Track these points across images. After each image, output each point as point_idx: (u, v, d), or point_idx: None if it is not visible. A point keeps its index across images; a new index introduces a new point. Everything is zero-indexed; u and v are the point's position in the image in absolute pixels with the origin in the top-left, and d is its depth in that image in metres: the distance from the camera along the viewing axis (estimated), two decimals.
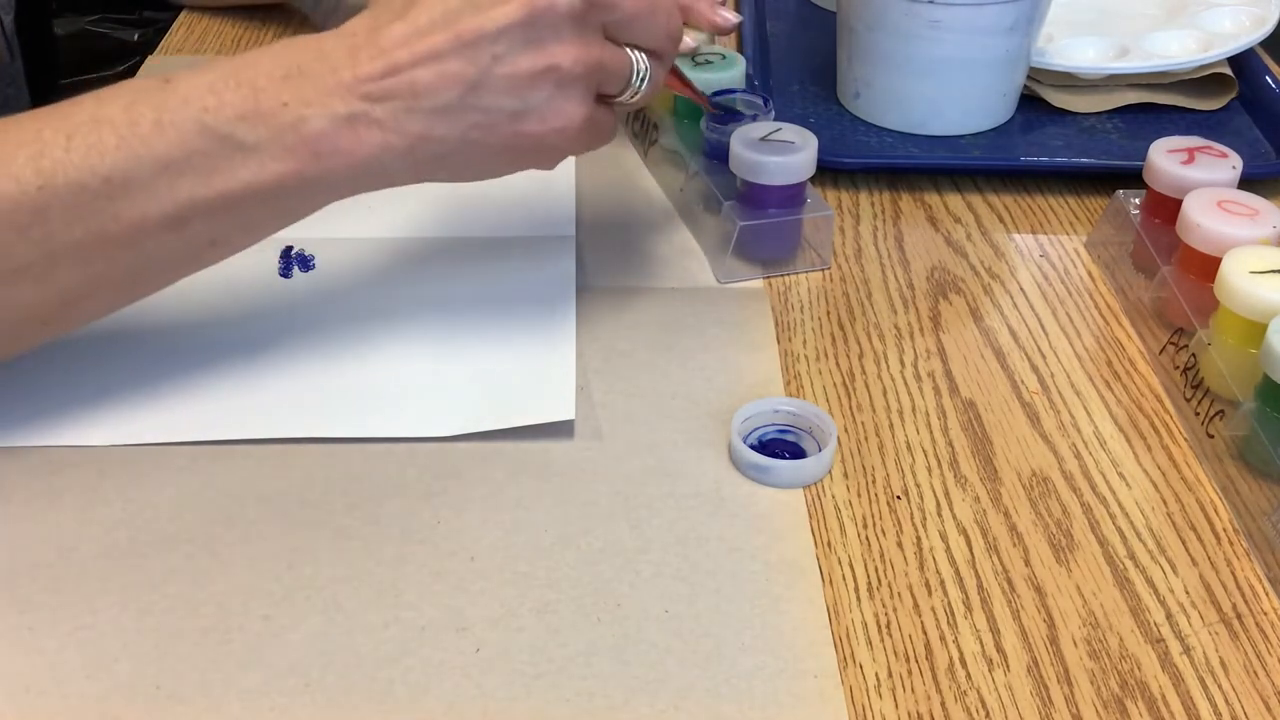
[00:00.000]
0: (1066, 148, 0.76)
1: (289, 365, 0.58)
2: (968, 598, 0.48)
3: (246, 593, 0.47)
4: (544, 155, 0.53)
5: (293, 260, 0.64)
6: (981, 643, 0.46)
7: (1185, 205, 0.59)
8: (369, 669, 0.45)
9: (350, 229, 0.67)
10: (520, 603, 0.47)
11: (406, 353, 0.59)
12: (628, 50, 0.53)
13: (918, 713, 0.44)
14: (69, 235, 0.48)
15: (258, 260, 0.64)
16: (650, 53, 0.54)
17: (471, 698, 0.44)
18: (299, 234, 0.65)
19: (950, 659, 0.46)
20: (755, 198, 0.64)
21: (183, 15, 0.92)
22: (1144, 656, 0.46)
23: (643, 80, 0.54)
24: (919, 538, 0.51)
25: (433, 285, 0.64)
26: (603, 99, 0.54)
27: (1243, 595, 0.49)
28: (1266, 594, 0.49)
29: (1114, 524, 0.52)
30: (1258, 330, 0.52)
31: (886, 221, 0.71)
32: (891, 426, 0.56)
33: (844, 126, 0.78)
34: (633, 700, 0.44)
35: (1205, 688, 0.45)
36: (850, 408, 0.57)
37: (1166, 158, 0.63)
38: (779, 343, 0.61)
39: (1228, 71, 0.80)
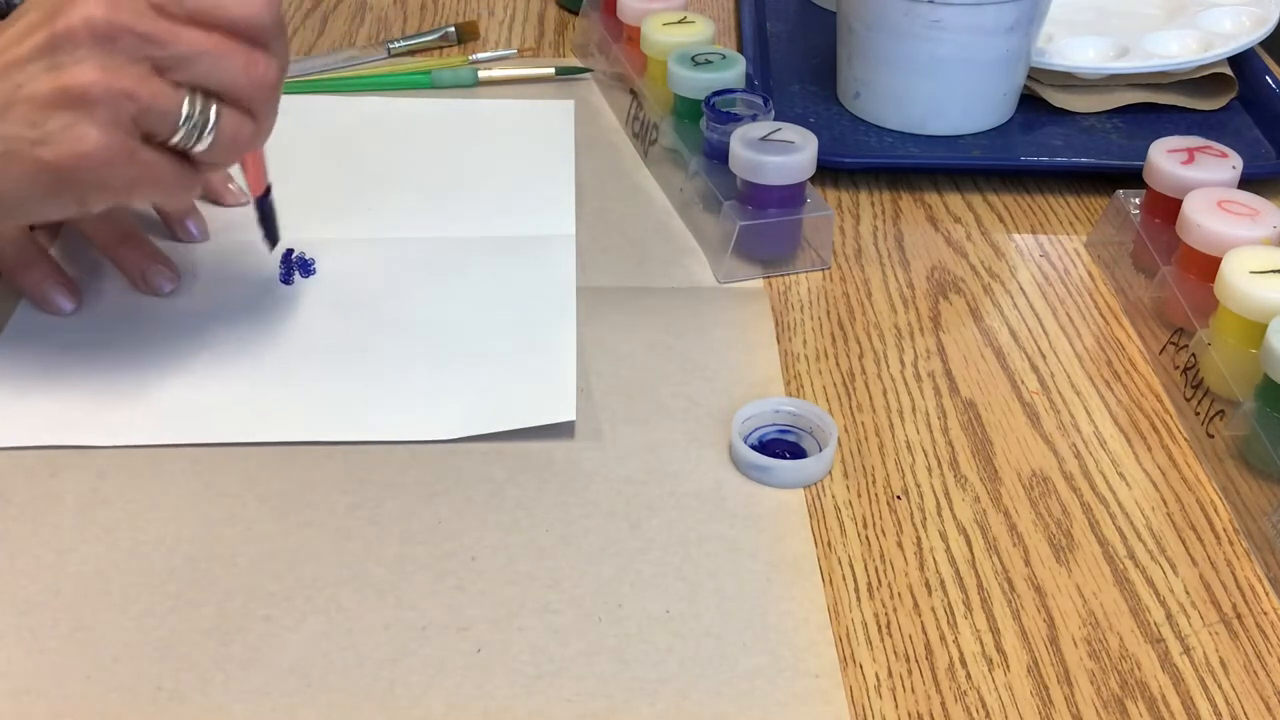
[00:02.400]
0: (1066, 148, 0.76)
1: (289, 368, 0.58)
2: (968, 598, 0.48)
3: (247, 593, 0.47)
4: (76, 189, 0.49)
5: (294, 265, 0.64)
6: (981, 643, 0.47)
7: (1185, 205, 0.59)
8: (369, 669, 0.45)
9: (350, 230, 0.67)
10: (521, 603, 0.47)
11: (407, 355, 0.59)
12: (184, 90, 0.48)
13: (918, 713, 0.44)
14: None
15: (259, 264, 0.64)
16: (231, 101, 0.50)
17: (472, 698, 0.44)
18: (298, 235, 0.65)
19: (950, 659, 0.46)
20: (755, 198, 0.64)
21: None
22: (1144, 656, 0.46)
23: (204, 127, 0.49)
24: (919, 538, 0.51)
25: (433, 286, 0.64)
26: (163, 145, 0.49)
27: (1243, 595, 0.49)
28: (1266, 594, 0.49)
29: (1114, 524, 0.52)
30: (1258, 330, 0.52)
31: (886, 221, 0.71)
32: (891, 426, 0.56)
33: (844, 126, 0.78)
34: (633, 700, 0.44)
35: (1205, 688, 0.45)
36: (850, 408, 0.57)
37: (1166, 158, 0.64)
38: (779, 343, 0.61)
39: (1228, 71, 0.80)
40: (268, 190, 0.59)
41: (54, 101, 0.47)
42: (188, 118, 0.49)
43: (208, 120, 0.49)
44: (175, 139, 0.49)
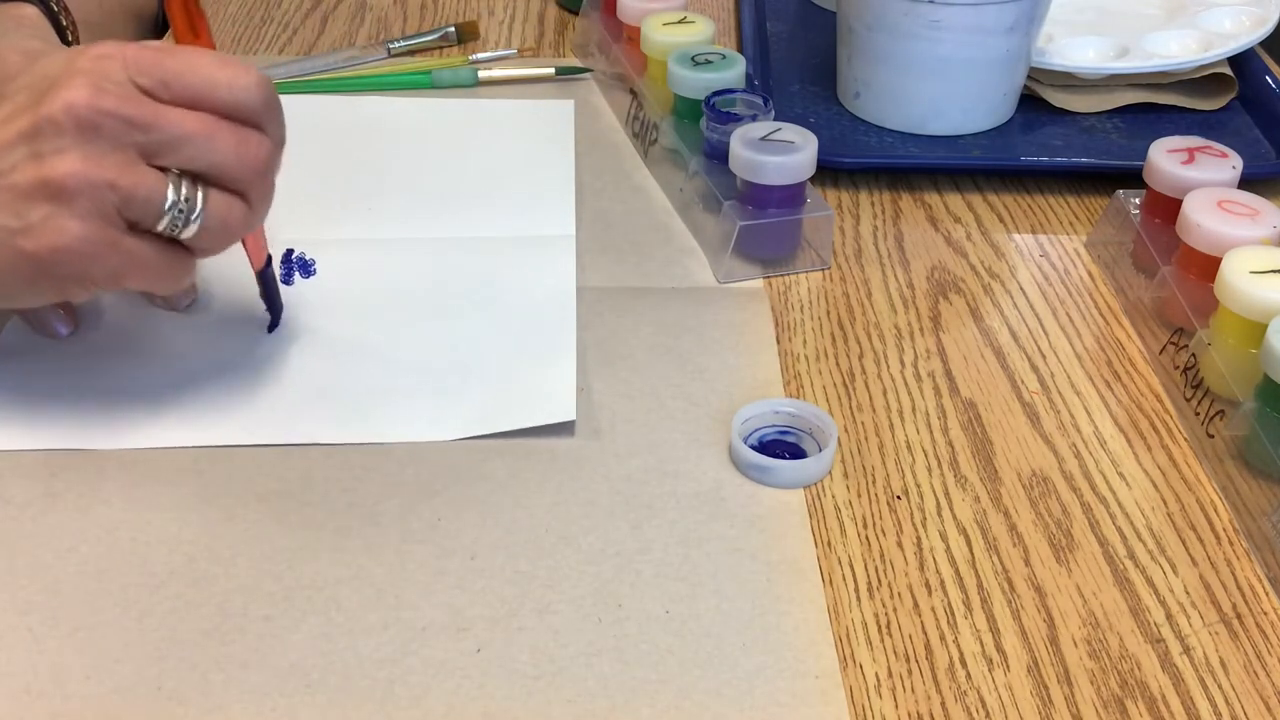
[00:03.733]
0: (1066, 148, 0.76)
1: (289, 369, 0.58)
2: (968, 598, 0.48)
3: (247, 593, 0.47)
4: (57, 280, 0.48)
5: (294, 265, 0.64)
6: (981, 643, 0.47)
7: (1185, 205, 0.59)
8: (369, 669, 0.45)
9: (350, 230, 0.67)
10: (521, 603, 0.47)
11: (406, 355, 0.59)
12: (169, 176, 0.47)
13: (918, 713, 0.44)
14: None
15: None
16: (221, 184, 0.48)
17: (472, 698, 0.44)
18: (298, 235, 0.65)
19: (950, 659, 0.46)
20: (755, 198, 0.64)
21: None
22: (1144, 656, 0.46)
23: (190, 213, 0.48)
24: (919, 538, 0.51)
25: (433, 286, 0.64)
26: (149, 232, 0.48)
27: (1243, 595, 0.49)
28: (1266, 594, 0.49)
29: (1114, 524, 0.52)
30: (1258, 330, 0.52)
31: (886, 221, 0.71)
32: (891, 426, 0.56)
33: (844, 126, 0.78)
34: (633, 701, 0.44)
35: (1205, 688, 0.45)
36: (850, 408, 0.57)
37: (1166, 158, 0.64)
38: (779, 343, 0.61)
39: (1228, 71, 0.80)
40: (268, 262, 0.58)
41: (35, 192, 0.46)
42: (173, 204, 0.47)
43: (194, 206, 0.48)
44: (161, 226, 0.48)
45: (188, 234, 0.48)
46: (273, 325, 0.60)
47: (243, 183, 0.49)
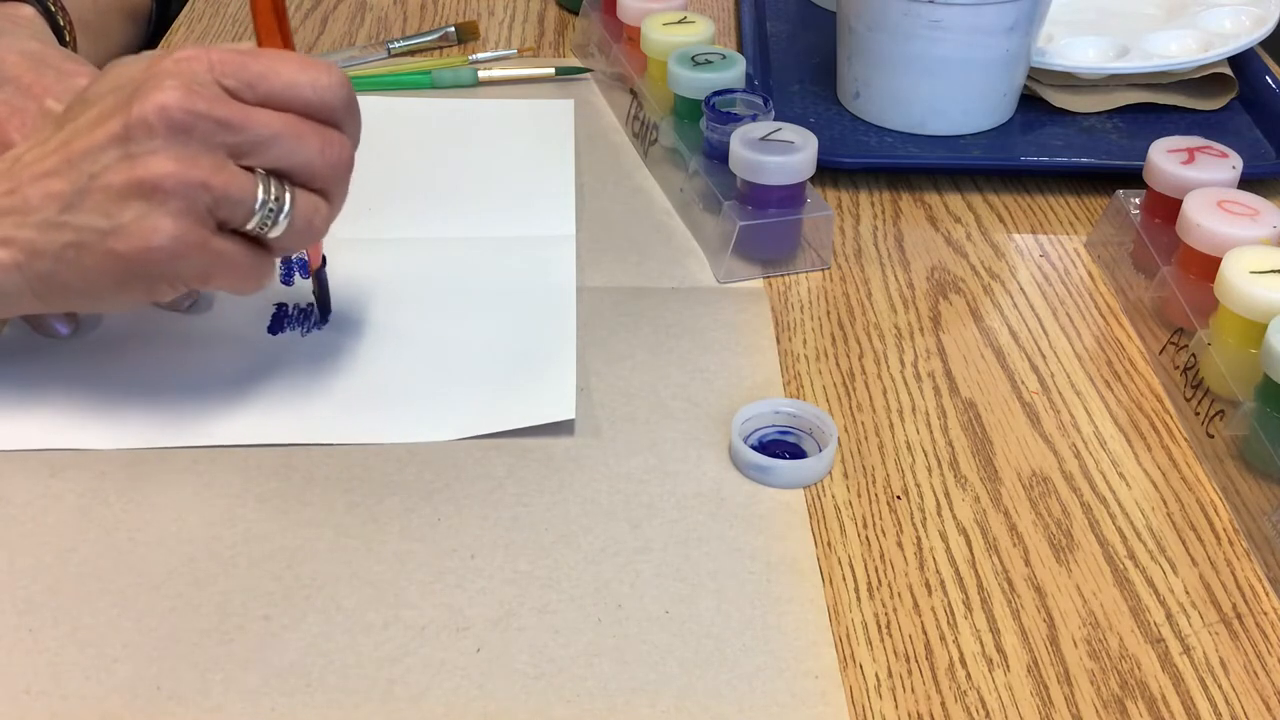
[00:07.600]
0: (1066, 148, 0.76)
1: (289, 370, 0.58)
2: (968, 598, 0.48)
3: (246, 593, 0.47)
4: (146, 281, 0.48)
5: (294, 265, 0.63)
6: (981, 643, 0.47)
7: (1185, 205, 0.59)
8: (369, 669, 0.45)
9: (349, 230, 0.67)
10: (521, 602, 0.47)
11: (407, 355, 0.59)
12: (258, 176, 0.48)
13: (918, 713, 0.44)
14: None
15: None
16: (304, 183, 0.49)
17: (472, 698, 0.44)
18: None
19: (950, 659, 0.46)
20: (755, 198, 0.64)
21: None
22: (1144, 656, 0.46)
23: (279, 212, 0.48)
24: (919, 538, 0.51)
25: (433, 286, 0.64)
26: (237, 232, 0.49)
27: (1243, 595, 0.49)
28: (1266, 594, 0.49)
29: (1114, 524, 0.52)
30: (1258, 330, 0.52)
31: (886, 221, 0.71)
32: (891, 426, 0.56)
33: (844, 126, 0.78)
34: (633, 701, 0.44)
35: (1205, 688, 0.45)
36: (850, 408, 0.57)
37: (1166, 158, 0.64)
38: (779, 343, 0.61)
39: (1228, 71, 0.80)
40: (324, 261, 0.59)
41: (128, 192, 0.46)
42: (263, 204, 0.48)
43: (283, 205, 0.48)
44: (250, 225, 0.48)
45: (275, 233, 0.49)
46: (323, 320, 0.60)
47: (326, 181, 0.50)
